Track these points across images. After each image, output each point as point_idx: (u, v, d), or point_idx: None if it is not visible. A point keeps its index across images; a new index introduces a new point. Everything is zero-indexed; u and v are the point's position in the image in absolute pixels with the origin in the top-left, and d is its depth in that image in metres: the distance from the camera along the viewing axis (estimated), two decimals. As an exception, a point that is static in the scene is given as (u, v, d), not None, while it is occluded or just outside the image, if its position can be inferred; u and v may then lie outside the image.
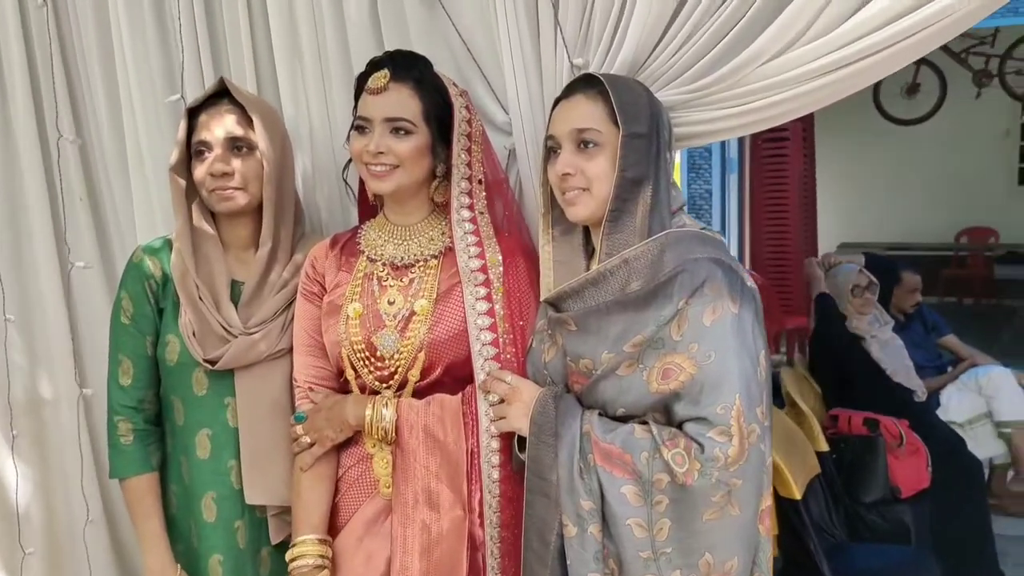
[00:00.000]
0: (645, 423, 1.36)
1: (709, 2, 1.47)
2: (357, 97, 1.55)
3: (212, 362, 1.64)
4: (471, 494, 1.48)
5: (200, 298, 1.66)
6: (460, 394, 1.52)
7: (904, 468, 3.19)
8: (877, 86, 7.84)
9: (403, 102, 1.50)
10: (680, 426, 1.33)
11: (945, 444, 3.45)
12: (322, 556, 1.53)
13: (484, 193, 1.57)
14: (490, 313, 1.49)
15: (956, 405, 4.02)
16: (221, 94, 1.68)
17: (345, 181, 1.74)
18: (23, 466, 2.12)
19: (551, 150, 1.46)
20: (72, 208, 2.09)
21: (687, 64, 1.51)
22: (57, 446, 2.14)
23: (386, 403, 1.51)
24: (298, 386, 1.63)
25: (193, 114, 1.68)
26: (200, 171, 1.65)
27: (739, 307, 1.32)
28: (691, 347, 1.31)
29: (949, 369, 4.21)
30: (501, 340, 1.49)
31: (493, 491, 1.47)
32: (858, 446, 3.20)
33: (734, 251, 6.67)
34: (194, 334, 1.64)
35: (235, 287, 1.71)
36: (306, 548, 1.54)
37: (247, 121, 1.67)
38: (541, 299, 1.51)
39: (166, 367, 1.69)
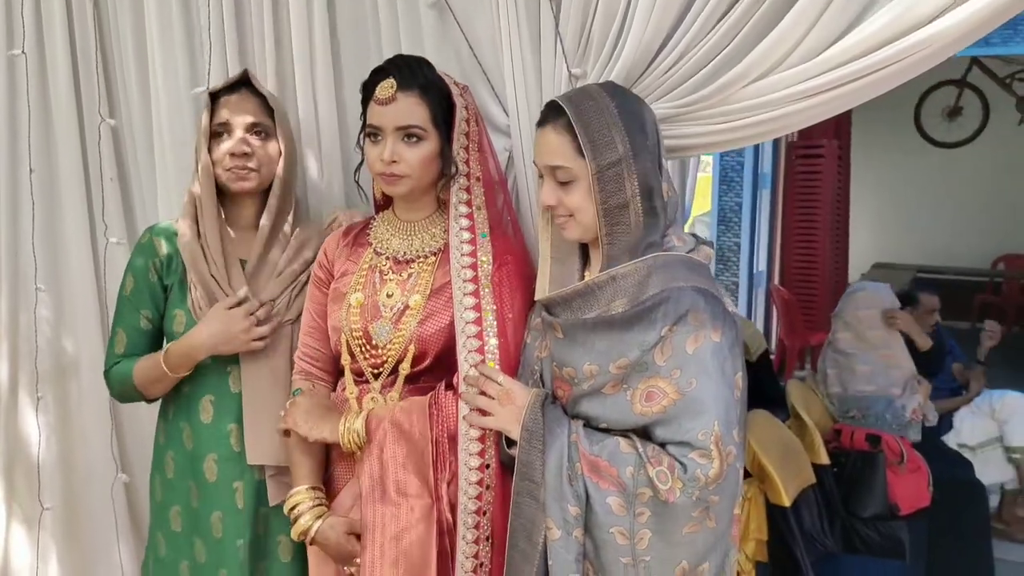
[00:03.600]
0: (628, 437, 1.42)
1: (703, 23, 1.54)
2: (364, 104, 1.62)
3: None
4: (438, 482, 1.56)
5: (212, 275, 1.77)
6: (431, 393, 1.60)
7: (904, 485, 3.21)
8: (919, 107, 7.81)
9: (411, 110, 1.57)
10: (663, 445, 1.40)
11: (949, 466, 3.47)
12: (317, 499, 1.64)
13: (482, 190, 1.64)
14: (476, 308, 1.57)
15: (969, 429, 4.03)
16: (241, 84, 1.80)
17: (357, 183, 1.82)
18: (46, 427, 2.26)
19: (540, 173, 1.53)
20: (102, 188, 2.22)
21: (679, 80, 1.58)
22: (78, 408, 2.28)
23: (356, 415, 1.60)
24: (296, 363, 1.74)
25: (214, 98, 1.79)
26: (221, 150, 1.76)
27: (720, 335, 1.39)
28: (674, 373, 1.38)
29: (963, 393, 4.22)
30: (486, 332, 1.56)
31: (470, 478, 1.55)
32: (858, 461, 3.22)
33: (763, 266, 6.68)
34: (200, 309, 1.76)
35: (243, 265, 1.83)
36: (300, 496, 1.65)
37: (267, 110, 1.79)
38: (535, 298, 1.57)
39: (173, 339, 1.81)
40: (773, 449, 2.68)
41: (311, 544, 1.64)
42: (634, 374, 1.40)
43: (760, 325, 6.69)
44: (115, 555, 2.31)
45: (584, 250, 1.59)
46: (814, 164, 6.53)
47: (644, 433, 1.42)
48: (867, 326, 3.48)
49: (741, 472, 1.45)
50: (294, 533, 1.65)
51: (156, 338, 1.86)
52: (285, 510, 1.68)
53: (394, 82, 1.56)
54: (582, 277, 1.55)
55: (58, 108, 2.19)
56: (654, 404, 1.39)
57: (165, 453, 1.86)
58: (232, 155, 1.75)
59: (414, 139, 1.58)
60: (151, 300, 1.83)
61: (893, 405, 3.37)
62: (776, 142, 6.46)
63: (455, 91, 1.62)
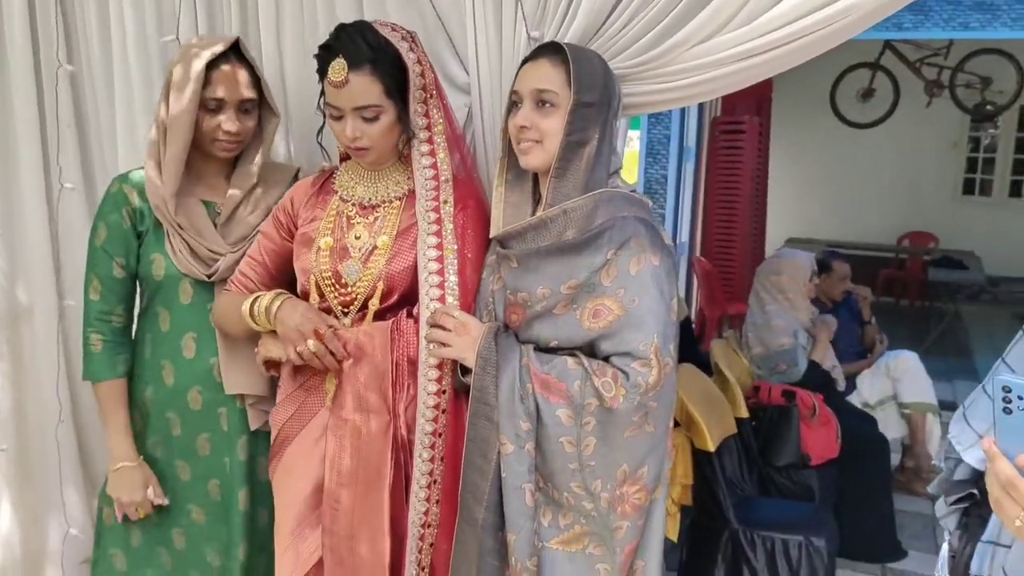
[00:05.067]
0: (575, 355, 1.57)
1: (651, -12, 1.68)
2: (320, 74, 1.68)
3: (209, 276, 1.87)
4: (396, 400, 1.69)
5: (181, 227, 1.86)
6: (392, 320, 1.72)
7: (815, 437, 3.46)
8: (835, 88, 8.15)
9: (365, 89, 1.64)
10: (606, 359, 1.55)
11: (856, 421, 3.74)
12: (278, 292, 1.76)
13: (444, 139, 1.75)
14: (439, 247, 1.69)
15: (868, 388, 4.29)
16: (231, 53, 1.86)
17: (320, 144, 1.88)
18: (1, 371, 2.29)
19: (514, 103, 1.66)
20: (59, 133, 2.25)
21: (629, 42, 1.71)
22: (31, 353, 2.31)
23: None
24: (228, 285, 1.87)
25: (208, 66, 1.83)
26: (211, 124, 1.85)
27: (659, 260, 1.56)
28: (618, 292, 1.54)
29: (868, 356, 4.50)
30: (446, 269, 1.69)
31: (428, 403, 1.68)
32: (775, 414, 3.46)
33: (685, 237, 6.91)
34: (182, 252, 1.86)
35: (209, 207, 1.93)
36: (272, 295, 1.75)
37: (255, 82, 1.89)
38: (491, 235, 1.70)
39: (152, 282, 1.91)
40: (698, 398, 2.86)
41: (273, 319, 1.71)
42: (582, 294, 1.56)
43: (682, 294, 6.95)
44: (67, 497, 2.35)
45: (535, 194, 1.73)
46: (736, 139, 6.75)
47: (589, 351, 1.58)
48: (787, 288, 3.76)
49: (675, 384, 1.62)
50: (260, 316, 1.73)
51: (130, 285, 1.94)
52: (245, 309, 1.76)
53: (344, 63, 1.62)
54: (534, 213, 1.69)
55: (13, 52, 2.20)
56: (600, 320, 1.55)
57: (143, 389, 1.95)
58: (225, 132, 1.85)
59: (372, 116, 1.67)
60: (124, 248, 1.91)
61: (804, 339, 3.74)
62: (700, 117, 6.68)
63: (404, 50, 1.67)
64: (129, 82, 2.14)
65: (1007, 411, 0.93)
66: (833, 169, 9.26)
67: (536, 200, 1.73)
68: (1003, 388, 0.93)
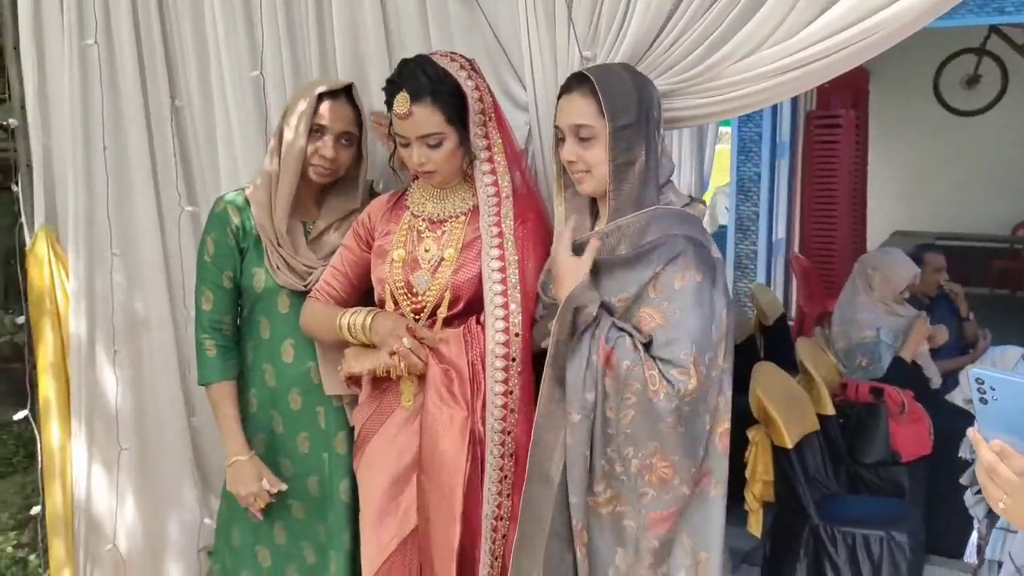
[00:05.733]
0: (634, 337, 1.68)
1: (696, 8, 1.76)
2: (389, 108, 1.85)
3: (306, 285, 2.07)
4: (473, 397, 1.84)
5: (279, 244, 2.07)
6: (463, 326, 1.88)
7: (906, 434, 3.42)
8: (938, 76, 7.90)
9: (427, 119, 1.80)
10: (653, 357, 1.67)
11: (952, 418, 3.67)
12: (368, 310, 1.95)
13: (504, 159, 1.89)
14: (500, 258, 1.84)
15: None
16: (342, 91, 2.07)
17: (392, 168, 2.09)
18: (122, 378, 2.54)
19: (559, 138, 1.79)
20: (165, 163, 2.49)
21: (677, 59, 1.81)
22: (149, 359, 2.56)
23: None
24: (312, 295, 2.04)
25: (319, 97, 2.04)
26: (312, 148, 2.04)
27: (702, 276, 1.67)
28: (663, 304, 1.67)
29: (970, 352, 4.39)
30: (508, 279, 1.83)
31: (496, 402, 1.82)
32: (862, 412, 3.44)
33: (782, 234, 6.84)
34: (281, 267, 2.07)
35: (303, 225, 2.14)
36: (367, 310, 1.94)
37: (357, 121, 2.09)
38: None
39: (254, 293, 2.12)
40: (777, 395, 2.91)
41: (369, 333, 1.88)
42: (633, 306, 1.69)
43: (780, 293, 6.86)
44: (184, 494, 2.59)
45: (594, 210, 1.85)
46: (832, 133, 6.65)
47: None
48: (878, 287, 3.77)
49: (728, 391, 1.72)
50: (356, 332, 1.90)
51: (236, 295, 2.16)
52: (342, 327, 1.93)
53: (407, 96, 1.79)
54: (592, 227, 1.82)
55: (126, 91, 2.44)
56: (645, 327, 1.67)
57: (247, 392, 2.17)
58: (321, 155, 2.04)
59: (435, 143, 1.83)
60: (231, 262, 2.12)
61: (889, 336, 3.70)
62: (794, 112, 6.61)
63: (462, 78, 1.82)
64: (227, 114, 2.35)
65: (983, 401, 1.00)
66: (940, 159, 8.94)
67: (594, 215, 1.85)
68: (976, 380, 0.99)
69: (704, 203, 1.81)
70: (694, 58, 1.79)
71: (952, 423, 3.60)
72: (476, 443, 1.84)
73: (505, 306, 1.82)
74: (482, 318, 1.85)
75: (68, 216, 2.51)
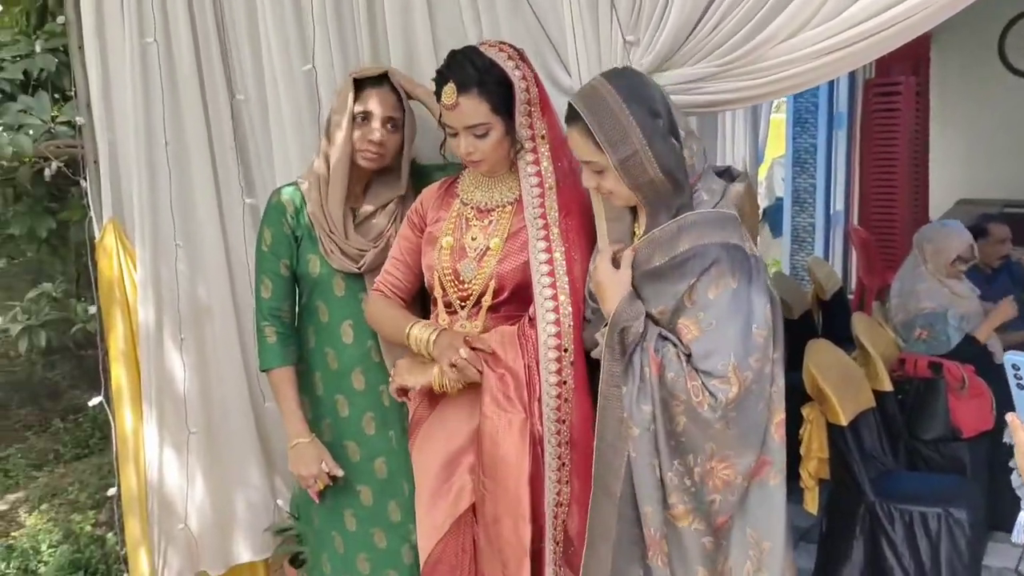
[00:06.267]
0: (678, 347, 1.69)
1: (738, -9, 1.77)
2: (438, 98, 1.88)
3: (360, 268, 2.15)
4: (531, 400, 1.88)
5: (331, 231, 2.14)
6: (518, 324, 1.92)
7: (966, 409, 3.37)
8: (1003, 38, 7.65)
9: (474, 109, 1.84)
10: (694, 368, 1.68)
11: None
12: (427, 323, 1.99)
13: (548, 147, 1.91)
14: (548, 251, 1.88)
15: (1038, 358, 4.09)
16: (383, 78, 2.12)
17: (443, 156, 2.14)
18: (188, 364, 2.64)
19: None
20: (223, 156, 2.57)
21: (719, 42, 1.81)
22: (212, 346, 2.65)
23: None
24: (376, 286, 2.09)
25: (359, 85, 2.11)
26: (359, 135, 2.10)
27: (737, 281, 1.65)
28: (699, 314, 1.67)
29: (1035, 323, 4.28)
30: (556, 271, 1.87)
31: (551, 393, 1.86)
32: (921, 387, 3.41)
33: (840, 206, 6.73)
34: (334, 252, 2.14)
35: (353, 212, 2.20)
36: (416, 328, 1.97)
37: (400, 105, 2.13)
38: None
39: (311, 279, 2.20)
40: (831, 373, 2.89)
41: (429, 352, 1.92)
42: (672, 317, 1.70)
43: (838, 266, 6.78)
44: (251, 475, 2.68)
45: (634, 211, 1.85)
46: (891, 102, 6.50)
47: None
48: (930, 259, 3.68)
49: (779, 380, 1.72)
50: (417, 341, 1.94)
51: (293, 283, 2.24)
52: (412, 343, 1.96)
53: (454, 87, 1.83)
54: (633, 230, 1.84)
55: (185, 88, 2.52)
56: (684, 338, 1.68)
57: (312, 376, 2.25)
58: (369, 140, 2.09)
59: (482, 133, 1.86)
60: (288, 250, 2.20)
61: (956, 323, 3.58)
62: (852, 81, 6.47)
63: (510, 68, 1.85)
64: (280, 108, 2.41)
65: (1020, 387, 1.00)
66: (1005, 123, 8.64)
67: (635, 215, 1.85)
68: (1012, 366, 1.00)
69: (744, 177, 1.78)
70: (736, 40, 1.79)
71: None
72: (536, 443, 1.88)
73: (555, 297, 1.86)
74: (532, 312, 1.89)
75: (134, 209, 2.60)
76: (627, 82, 1.73)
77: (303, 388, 2.26)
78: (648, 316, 1.72)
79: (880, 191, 6.76)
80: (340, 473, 2.20)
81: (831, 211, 6.57)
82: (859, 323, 3.57)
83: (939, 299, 3.64)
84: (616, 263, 1.76)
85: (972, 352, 3.60)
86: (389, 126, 2.11)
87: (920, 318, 3.66)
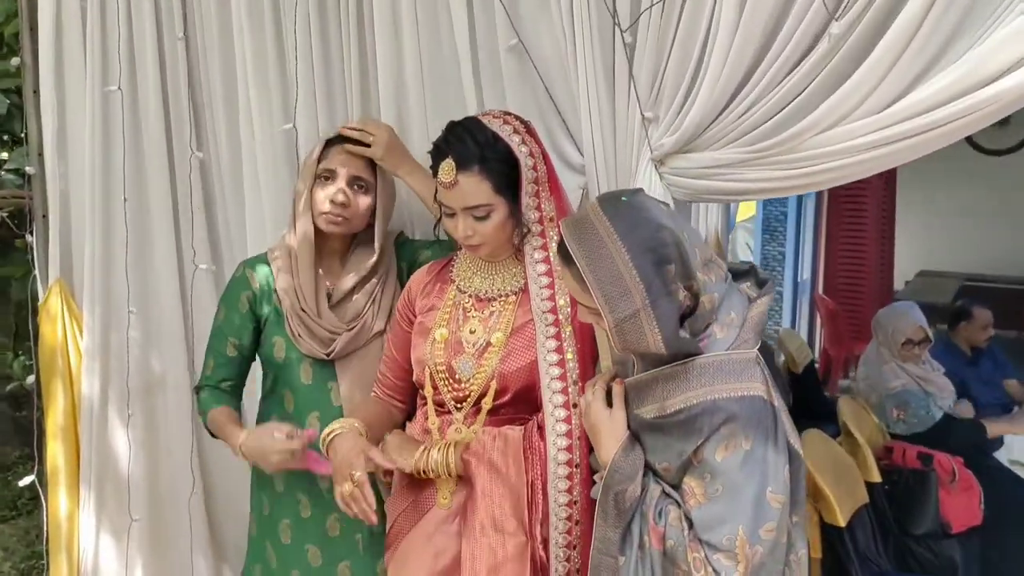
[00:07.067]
0: (680, 508, 1.45)
1: (775, 73, 1.59)
2: (435, 173, 1.68)
3: (328, 354, 1.91)
4: (532, 522, 1.64)
5: (303, 310, 1.91)
6: (523, 428, 1.69)
7: (956, 503, 3.25)
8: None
9: (475, 189, 1.63)
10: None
11: (1000, 484, 3.49)
12: (353, 423, 1.72)
13: (555, 233, 1.70)
14: (559, 350, 1.66)
15: (1021, 444, 4.02)
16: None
17: (437, 236, 1.89)
18: (134, 442, 2.39)
19: None
20: (188, 217, 2.35)
21: (750, 127, 1.64)
22: (164, 425, 2.41)
23: (437, 448, 1.68)
24: (373, 390, 1.89)
25: (327, 144, 1.91)
26: (321, 195, 1.89)
27: (751, 442, 1.39)
28: (704, 476, 1.41)
29: (1015, 409, 4.20)
30: (568, 375, 1.65)
31: (560, 515, 1.63)
32: (911, 479, 3.27)
33: (807, 275, 6.67)
34: (302, 336, 1.91)
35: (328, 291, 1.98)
36: (336, 424, 1.72)
37: (371, 167, 1.93)
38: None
39: (274, 364, 1.96)
40: (827, 469, 2.73)
41: (326, 449, 1.69)
42: (677, 474, 1.45)
43: (804, 335, 6.70)
44: (197, 566, 2.43)
45: None
46: (861, 173, 6.48)
47: None
48: (882, 342, 3.68)
49: (794, 552, 1.47)
50: (322, 440, 1.72)
51: (242, 365, 2.00)
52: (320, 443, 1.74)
53: (453, 164, 1.62)
54: None
55: (149, 141, 2.31)
56: (687, 500, 1.43)
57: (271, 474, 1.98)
58: (331, 201, 1.88)
59: (483, 215, 1.66)
60: (240, 329, 1.97)
61: (930, 398, 3.55)
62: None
63: (515, 143, 1.65)
64: (255, 168, 2.21)
65: None
66: (968, 198, 8.77)
67: None
68: None
69: (771, 283, 1.55)
70: (770, 127, 1.62)
71: (1001, 488, 3.44)
72: (537, 571, 1.64)
73: (567, 405, 1.64)
74: (540, 419, 1.68)
75: (84, 269, 2.39)
76: (629, 220, 1.40)
77: (262, 484, 2.02)
78: (648, 468, 1.49)
79: (847, 261, 6.74)
80: (298, 432, 1.84)
81: (799, 279, 6.51)
82: (846, 408, 3.44)
83: (904, 378, 3.61)
84: (610, 400, 1.54)
85: (967, 434, 3.54)
86: (357, 186, 1.91)
87: (890, 399, 3.62)
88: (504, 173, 1.65)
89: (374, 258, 1.96)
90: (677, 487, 1.46)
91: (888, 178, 6.86)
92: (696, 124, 1.68)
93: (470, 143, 1.64)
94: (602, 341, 1.66)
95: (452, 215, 1.68)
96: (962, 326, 4.24)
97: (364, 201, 1.92)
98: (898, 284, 7.30)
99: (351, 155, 1.91)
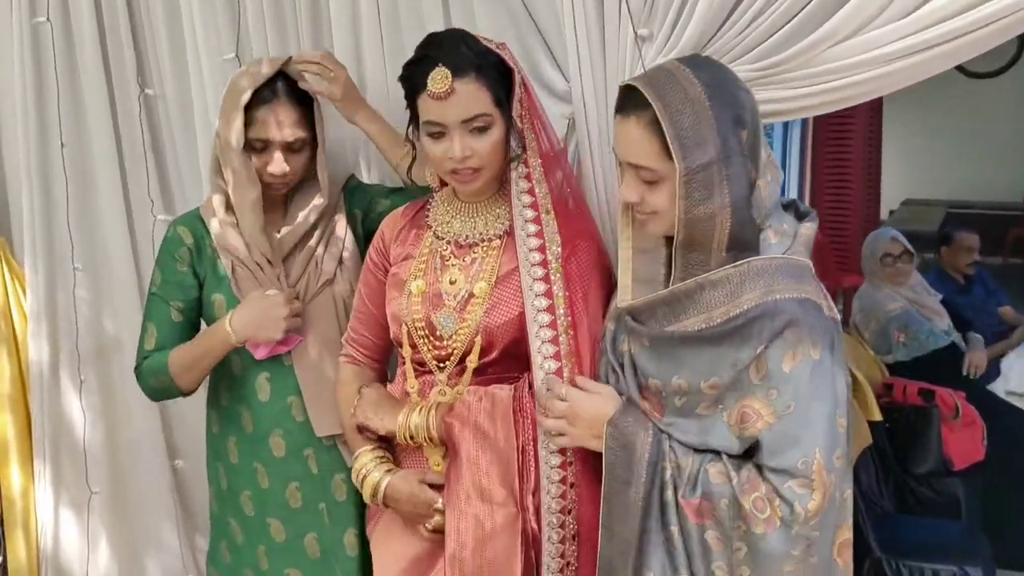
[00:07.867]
0: (720, 460, 1.31)
1: (785, -26, 1.42)
2: (410, 97, 1.50)
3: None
4: (523, 491, 1.47)
5: (256, 261, 1.74)
6: (512, 388, 1.51)
7: (958, 440, 3.17)
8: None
9: (474, 98, 1.44)
10: (759, 468, 1.28)
11: (1000, 416, 3.40)
12: (382, 457, 1.60)
13: (539, 161, 1.53)
14: (548, 295, 1.47)
15: (1018, 375, 3.94)
16: (277, 84, 1.70)
17: (410, 180, 1.68)
18: (90, 409, 2.22)
19: (618, 163, 1.41)
20: (135, 162, 2.14)
21: (756, 41, 1.46)
22: (122, 390, 2.23)
23: (418, 409, 1.54)
24: (344, 345, 1.72)
25: (248, 107, 1.68)
26: (258, 164, 1.71)
27: (820, 351, 1.26)
28: (770, 393, 1.26)
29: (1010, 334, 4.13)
30: (560, 324, 1.47)
31: (552, 477, 1.47)
32: (912, 416, 3.18)
33: (793, 206, 6.54)
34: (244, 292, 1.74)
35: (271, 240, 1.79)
36: (364, 458, 1.60)
37: (304, 118, 1.72)
38: (618, 304, 1.44)
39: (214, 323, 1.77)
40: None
41: (384, 503, 1.58)
42: (728, 393, 1.29)
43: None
44: (165, 537, 2.28)
45: (669, 254, 1.42)
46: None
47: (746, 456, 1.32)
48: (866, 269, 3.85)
49: (848, 489, 1.34)
50: (366, 495, 1.60)
51: (188, 330, 1.81)
52: (353, 477, 1.64)
53: (447, 72, 1.42)
54: (669, 269, 1.41)
55: (87, 78, 2.09)
56: (749, 426, 1.27)
57: (225, 440, 1.83)
58: (271, 174, 1.71)
59: (483, 125, 1.45)
60: (181, 291, 1.79)
61: (930, 323, 3.61)
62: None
63: (506, 56, 1.49)
64: (205, 104, 2.00)
65: None
66: (953, 123, 8.63)
67: (669, 254, 1.42)
68: None
69: (815, 218, 1.44)
70: (778, 40, 1.44)
71: (1002, 421, 3.34)
72: (529, 544, 1.48)
73: (557, 356, 1.46)
74: (531, 376, 1.49)
75: (23, 224, 2.19)
76: (712, 75, 1.32)
77: (217, 457, 1.86)
78: (656, 428, 1.35)
79: (833, 191, 6.57)
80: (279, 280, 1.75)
81: (786, 213, 6.37)
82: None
83: (902, 301, 3.67)
84: (637, 313, 1.38)
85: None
86: (294, 147, 1.72)
87: (892, 321, 3.64)
88: (501, 84, 1.47)
89: (325, 199, 1.78)
90: (712, 416, 1.31)
91: (875, 104, 6.68)
92: (695, 40, 1.50)
93: (464, 49, 1.45)
94: (625, 240, 1.45)
95: (440, 137, 1.47)
96: (944, 251, 4.27)
97: (301, 158, 1.75)
98: (883, 214, 7.18)
99: (281, 116, 1.69)
